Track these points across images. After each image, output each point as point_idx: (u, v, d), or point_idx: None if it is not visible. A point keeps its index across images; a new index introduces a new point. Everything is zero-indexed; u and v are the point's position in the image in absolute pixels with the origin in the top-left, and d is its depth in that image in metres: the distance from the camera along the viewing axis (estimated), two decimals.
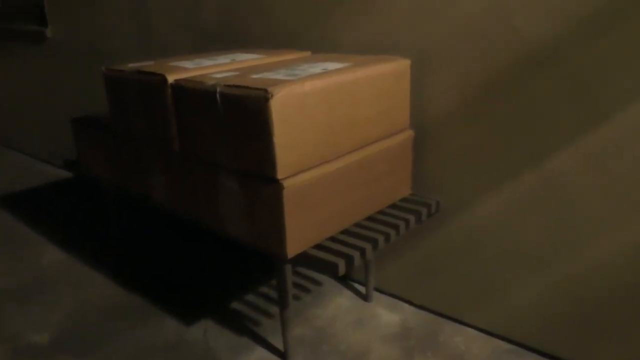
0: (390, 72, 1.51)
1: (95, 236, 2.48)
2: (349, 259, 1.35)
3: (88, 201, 2.89)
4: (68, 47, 3.03)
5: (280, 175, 1.27)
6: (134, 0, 2.49)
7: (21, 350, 1.71)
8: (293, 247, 1.35)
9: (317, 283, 2.04)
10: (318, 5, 1.80)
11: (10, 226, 2.63)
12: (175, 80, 1.45)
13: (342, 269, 1.33)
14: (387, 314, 1.83)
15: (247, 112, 1.26)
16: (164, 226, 2.58)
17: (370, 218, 1.57)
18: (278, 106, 1.21)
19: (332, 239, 1.45)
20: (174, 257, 2.28)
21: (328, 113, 1.34)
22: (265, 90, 1.20)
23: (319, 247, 1.41)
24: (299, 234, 1.35)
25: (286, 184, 1.28)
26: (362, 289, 1.98)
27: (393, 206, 1.64)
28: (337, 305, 1.89)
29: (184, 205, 1.61)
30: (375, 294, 1.94)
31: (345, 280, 2.05)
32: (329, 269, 1.34)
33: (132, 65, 1.65)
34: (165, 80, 1.46)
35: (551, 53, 1.36)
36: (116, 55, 2.71)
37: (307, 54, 1.79)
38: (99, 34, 2.79)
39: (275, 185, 1.28)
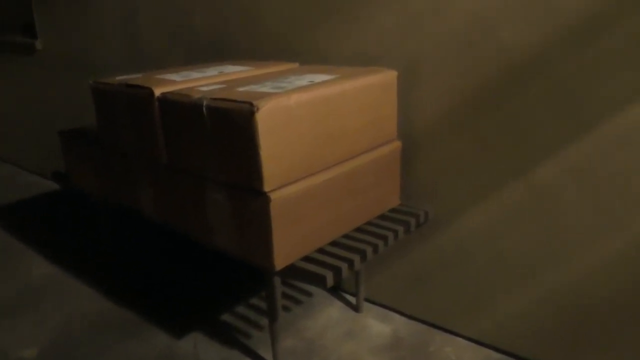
0: (377, 83, 1.52)
1: (85, 248, 2.47)
2: (337, 271, 1.35)
3: (78, 213, 2.88)
4: (58, 59, 3.02)
5: (266, 187, 1.27)
6: (124, 13, 2.50)
7: None
8: (281, 259, 1.35)
9: (308, 294, 2.04)
10: (306, 18, 1.81)
11: None
12: (162, 94, 1.45)
13: (330, 281, 1.33)
14: (378, 325, 1.83)
15: (233, 126, 1.26)
16: (153, 238, 2.57)
17: (358, 229, 1.57)
18: (264, 119, 1.22)
19: (321, 250, 1.45)
20: (164, 269, 2.27)
21: (314, 125, 1.34)
22: (251, 104, 1.21)
23: (307, 259, 1.41)
24: (287, 246, 1.35)
25: (273, 196, 1.28)
26: (352, 299, 1.97)
27: (382, 217, 1.64)
28: (327, 317, 1.89)
29: (172, 217, 1.61)
30: (366, 305, 1.94)
31: (336, 291, 2.05)
32: (317, 281, 1.34)
33: (120, 78, 1.65)
34: (152, 93, 1.46)
35: (537, 63, 1.37)
36: (106, 67, 2.71)
37: (295, 65, 1.80)
38: (88, 47, 2.79)
39: (262, 198, 1.28)
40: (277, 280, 1.48)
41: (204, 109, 1.32)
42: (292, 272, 1.38)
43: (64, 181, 2.16)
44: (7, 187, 3.38)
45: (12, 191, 3.30)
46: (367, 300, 1.96)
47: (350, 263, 1.38)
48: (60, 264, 2.33)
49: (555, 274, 1.48)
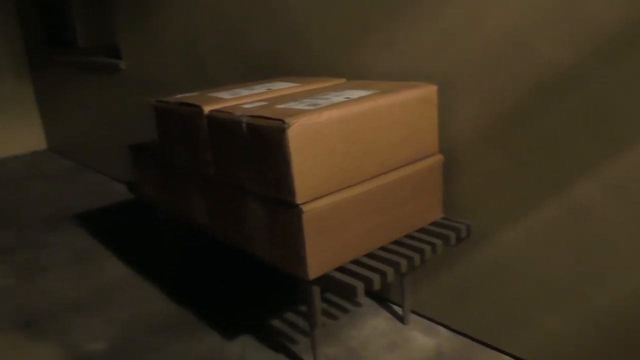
0: (414, 98, 1.54)
1: (152, 253, 2.66)
2: (368, 282, 1.38)
3: (148, 220, 3.10)
4: (138, 78, 3.28)
5: (299, 200, 1.34)
6: (191, 38, 2.68)
7: (80, 357, 1.87)
8: (314, 269, 1.40)
9: (356, 303, 2.07)
10: (351, 36, 1.86)
11: (81, 242, 2.87)
12: (210, 111, 1.56)
13: (361, 292, 1.36)
14: (422, 338, 1.83)
15: (268, 141, 1.34)
16: (213, 244, 2.71)
17: (397, 242, 1.59)
18: (295, 136, 1.28)
19: (356, 262, 1.49)
20: (221, 274, 2.40)
21: (347, 140, 1.39)
22: (283, 121, 1.28)
23: (341, 269, 1.46)
24: (320, 257, 1.40)
25: (305, 208, 1.34)
26: (400, 310, 1.99)
27: (422, 230, 1.65)
28: (372, 327, 1.91)
29: (220, 227, 1.71)
30: (413, 317, 1.95)
31: (384, 301, 2.07)
32: (348, 291, 1.38)
33: (177, 97, 1.79)
34: (201, 111, 1.58)
35: (574, 78, 1.34)
36: (175, 86, 2.91)
37: (342, 81, 1.86)
38: (161, 67, 3.01)
39: (294, 210, 1.35)
40: (316, 290, 1.53)
41: (243, 125, 1.41)
42: (325, 281, 1.43)
43: (135, 190, 2.34)
44: (93, 194, 3.70)
45: (96, 198, 3.61)
46: (414, 312, 1.96)
47: (383, 275, 1.41)
48: (130, 267, 2.52)
49: (599, 292, 1.43)
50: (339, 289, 1.41)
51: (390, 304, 2.05)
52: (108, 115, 3.81)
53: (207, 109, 1.58)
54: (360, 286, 1.36)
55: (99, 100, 3.87)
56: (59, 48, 4.32)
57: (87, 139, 4.31)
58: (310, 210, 1.35)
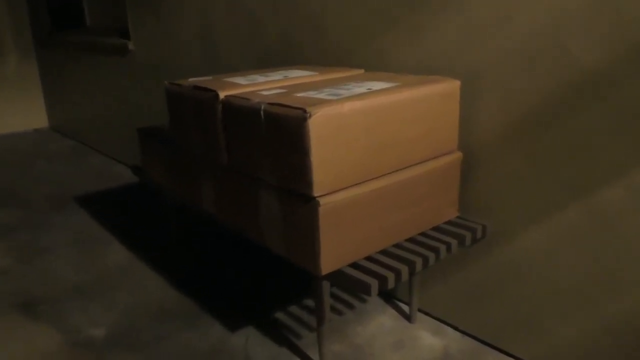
0: (437, 93, 1.49)
1: (157, 239, 2.62)
2: (382, 280, 1.34)
3: (155, 205, 3.06)
4: (147, 60, 3.23)
5: (316, 193, 1.29)
6: (204, 22, 2.62)
7: (79, 343, 1.83)
8: (327, 264, 1.36)
9: (362, 299, 2.04)
10: (371, 26, 1.81)
11: (83, 225, 2.83)
12: (226, 96, 1.51)
13: (375, 290, 1.33)
14: (430, 338, 1.80)
15: (287, 131, 1.29)
16: (219, 232, 2.67)
17: (411, 240, 1.55)
18: (315, 126, 1.24)
19: (370, 258, 1.45)
20: (227, 264, 2.36)
21: (368, 133, 1.35)
22: (304, 110, 1.23)
23: (354, 266, 1.42)
24: (334, 252, 1.36)
25: (322, 202, 1.30)
26: (406, 308, 1.95)
27: (437, 229, 1.61)
28: (379, 324, 1.88)
29: (230, 216, 1.67)
30: (420, 316, 1.91)
31: (390, 299, 2.03)
32: (362, 289, 1.34)
33: (191, 80, 1.74)
34: (217, 96, 1.53)
35: (605, 80, 1.29)
36: (186, 69, 2.86)
37: (361, 72, 1.81)
38: (173, 51, 2.95)
39: (311, 203, 1.30)
40: (325, 285, 1.49)
41: (262, 113, 1.36)
42: (338, 277, 1.39)
43: (141, 175, 2.30)
44: (97, 176, 3.65)
45: (100, 180, 3.56)
46: (421, 311, 1.93)
47: (398, 273, 1.37)
48: (133, 252, 2.48)
49: (615, 299, 1.39)
50: (352, 286, 1.37)
51: (397, 302, 2.01)
52: (114, 96, 3.75)
53: (222, 94, 1.53)
54: (374, 284, 1.33)
55: (105, 81, 3.81)
56: (66, 27, 4.25)
57: (91, 120, 4.25)
58: (327, 203, 1.30)
